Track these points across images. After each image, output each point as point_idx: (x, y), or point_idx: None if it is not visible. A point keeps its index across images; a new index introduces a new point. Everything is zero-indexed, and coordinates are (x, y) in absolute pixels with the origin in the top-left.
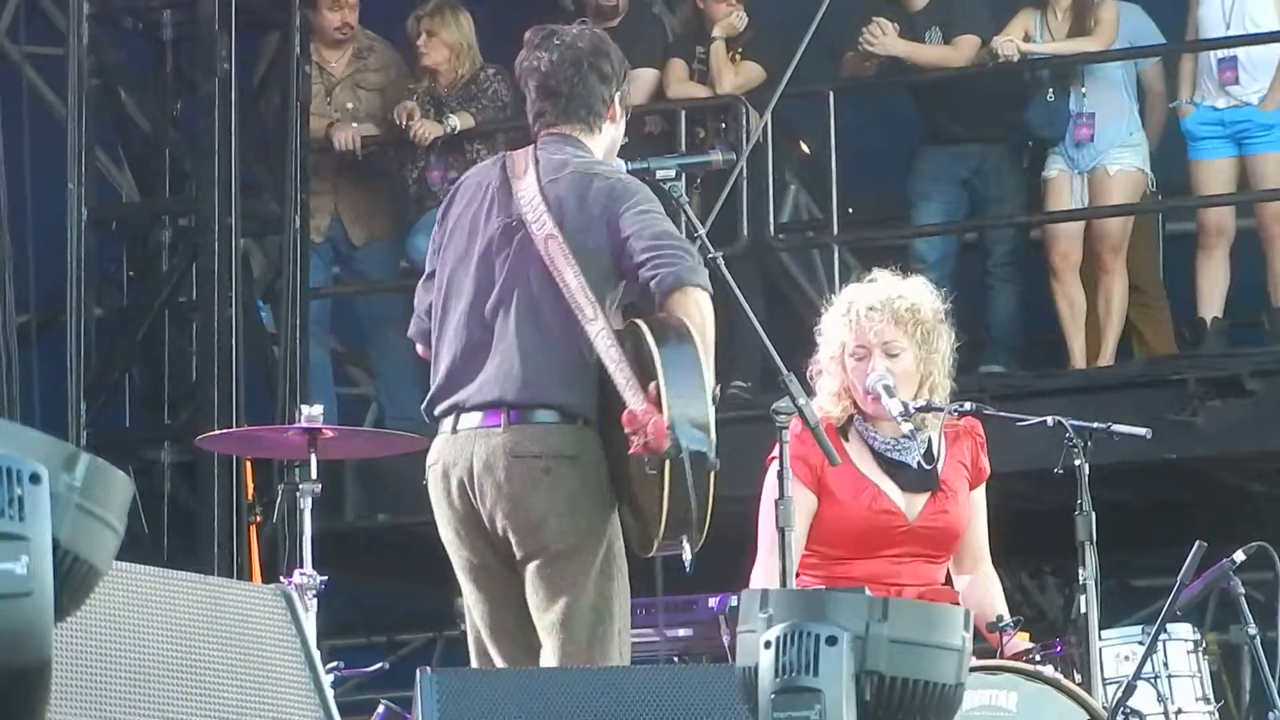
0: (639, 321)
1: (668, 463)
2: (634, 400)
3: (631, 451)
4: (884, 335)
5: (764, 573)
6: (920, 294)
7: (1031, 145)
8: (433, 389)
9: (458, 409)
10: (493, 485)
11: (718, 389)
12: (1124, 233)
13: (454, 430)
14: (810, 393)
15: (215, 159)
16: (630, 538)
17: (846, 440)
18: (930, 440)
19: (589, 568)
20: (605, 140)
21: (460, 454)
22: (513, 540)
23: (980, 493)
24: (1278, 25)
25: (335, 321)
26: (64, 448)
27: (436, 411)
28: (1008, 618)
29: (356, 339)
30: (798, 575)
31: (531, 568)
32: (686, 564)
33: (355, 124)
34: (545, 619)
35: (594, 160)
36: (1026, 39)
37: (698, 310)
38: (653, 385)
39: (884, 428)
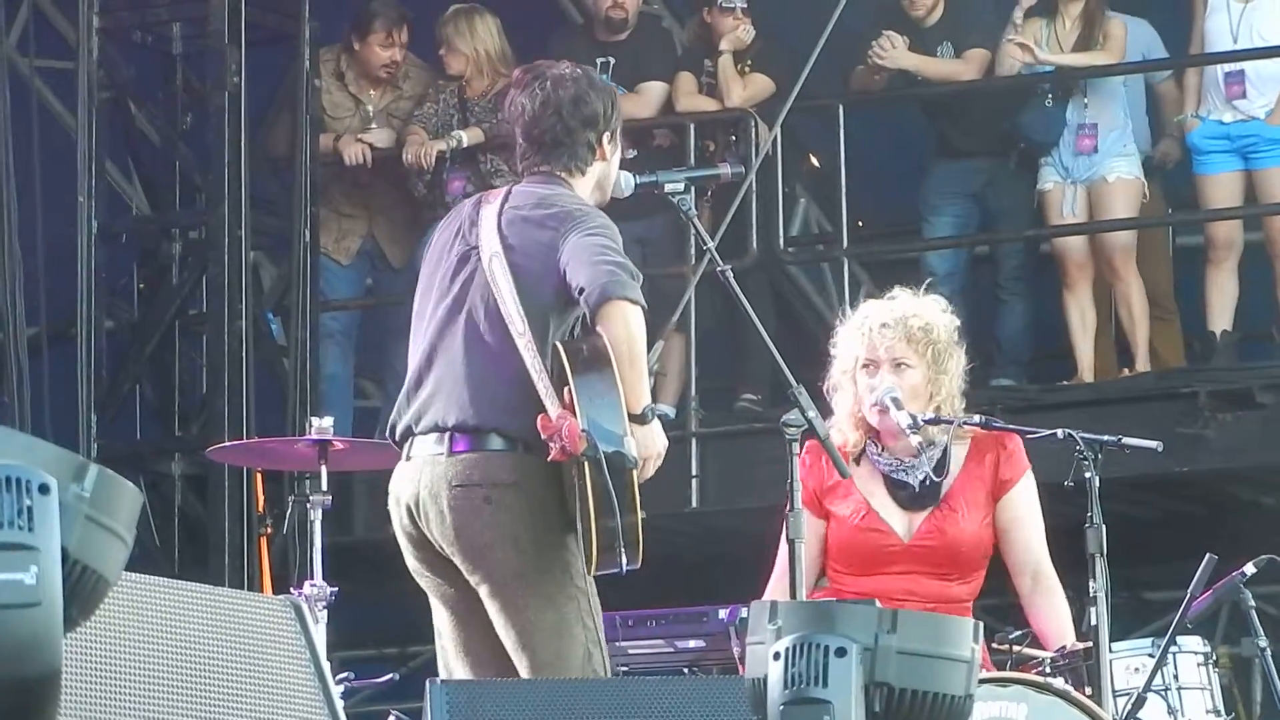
0: (559, 344)
1: (588, 468)
2: (551, 408)
3: (550, 458)
4: (894, 351)
5: (776, 584)
6: (935, 314)
7: (1022, 147)
8: (394, 411)
9: (410, 434)
10: (436, 513)
11: (651, 407)
12: (1131, 237)
13: (407, 457)
14: (824, 408)
15: (225, 172)
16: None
17: (858, 465)
18: (945, 453)
19: (540, 593)
20: (592, 179)
21: (409, 482)
22: (460, 567)
23: (1019, 501)
24: None
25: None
26: (73, 458)
27: (397, 436)
28: (1071, 642)
29: (375, 352)
30: (819, 586)
31: (483, 593)
32: (623, 570)
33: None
34: (507, 641)
35: (567, 194)
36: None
37: (623, 324)
38: (567, 390)
39: (892, 445)
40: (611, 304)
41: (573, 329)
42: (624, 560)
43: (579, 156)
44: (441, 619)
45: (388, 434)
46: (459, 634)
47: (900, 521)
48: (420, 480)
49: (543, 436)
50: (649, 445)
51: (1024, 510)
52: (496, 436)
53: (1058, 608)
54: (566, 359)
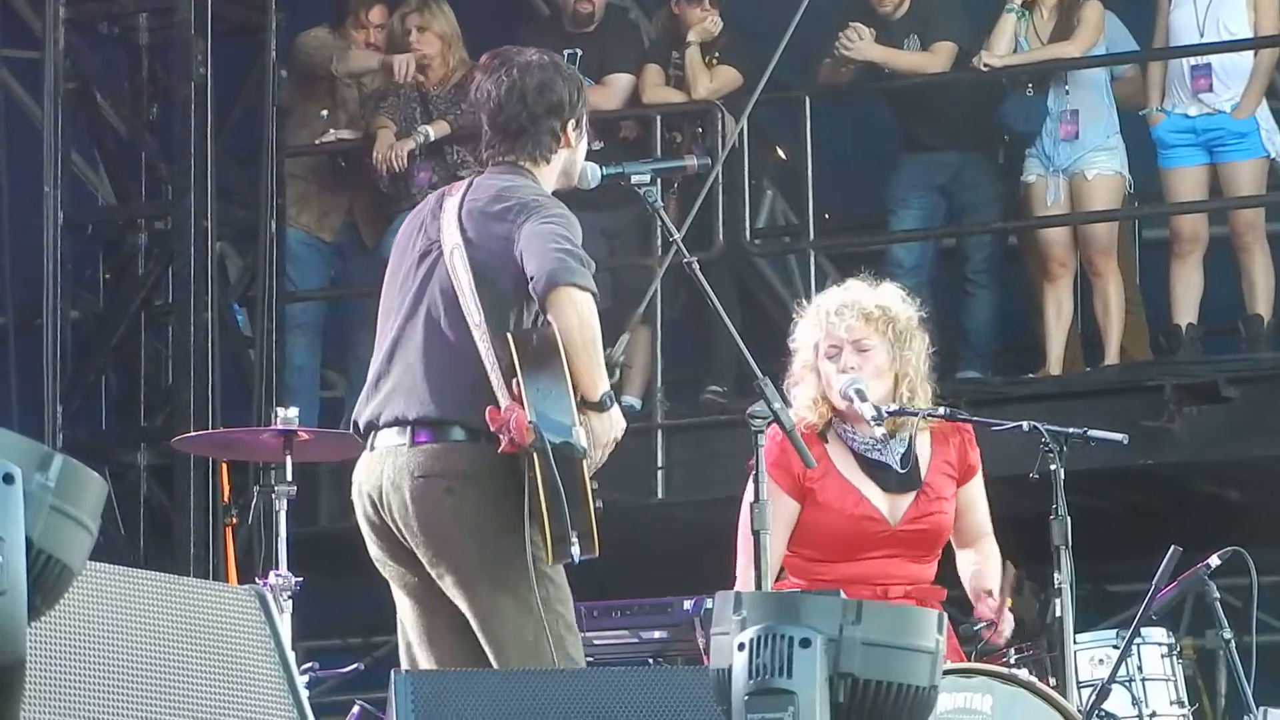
0: (509, 334)
1: (537, 460)
2: (503, 400)
3: (500, 450)
4: (855, 332)
5: (742, 577)
6: (891, 298)
7: (1007, 141)
8: (357, 405)
9: (374, 426)
10: (399, 504)
11: (609, 394)
12: (1111, 236)
13: (371, 448)
14: (789, 401)
15: (191, 163)
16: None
17: (826, 443)
18: (911, 440)
19: (503, 584)
20: (556, 166)
21: (372, 472)
22: (422, 558)
23: (976, 484)
24: (1251, 32)
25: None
26: (38, 448)
27: (361, 428)
28: (996, 591)
29: (341, 343)
30: (781, 578)
31: (446, 584)
32: (575, 559)
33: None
34: (475, 628)
35: (527, 185)
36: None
37: (572, 310)
38: (515, 382)
39: (862, 428)
40: (559, 290)
41: (535, 320)
42: (577, 550)
43: (543, 144)
44: (404, 608)
45: (351, 427)
46: (423, 623)
47: (885, 505)
48: (383, 471)
49: (491, 429)
50: (605, 432)
51: (980, 491)
52: (458, 428)
53: (992, 558)
54: (516, 350)
